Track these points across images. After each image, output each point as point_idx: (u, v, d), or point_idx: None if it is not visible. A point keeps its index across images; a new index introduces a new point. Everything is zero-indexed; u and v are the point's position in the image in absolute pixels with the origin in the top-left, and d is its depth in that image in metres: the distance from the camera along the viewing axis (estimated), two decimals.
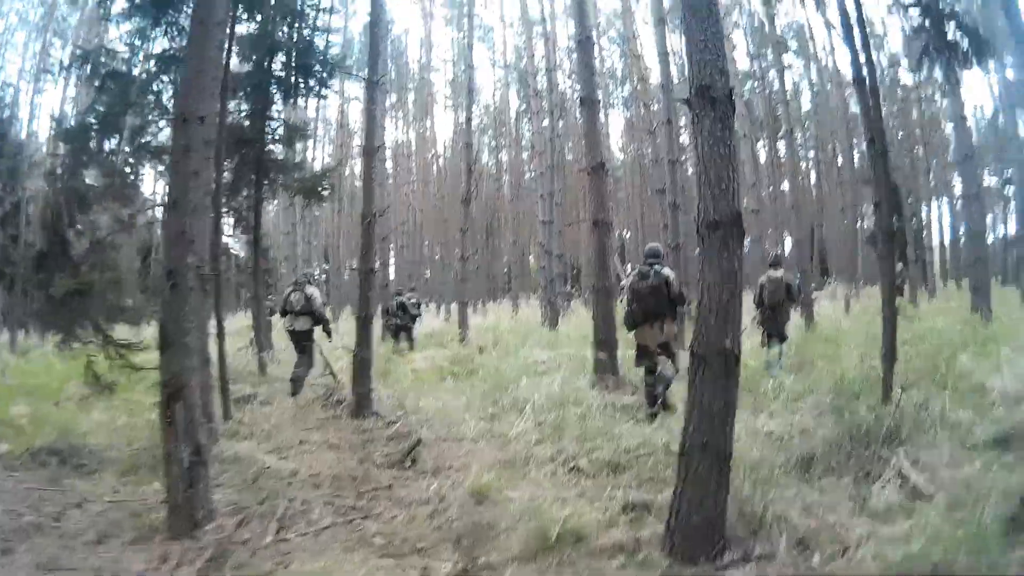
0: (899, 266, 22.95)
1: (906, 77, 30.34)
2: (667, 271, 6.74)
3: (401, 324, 14.38)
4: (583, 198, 37.48)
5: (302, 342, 8.81)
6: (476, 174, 17.74)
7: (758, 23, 24.92)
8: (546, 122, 21.95)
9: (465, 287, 15.80)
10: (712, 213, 3.23)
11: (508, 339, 13.49)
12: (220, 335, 6.63)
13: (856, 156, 30.01)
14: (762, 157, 30.99)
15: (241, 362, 10.06)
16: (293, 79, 10.07)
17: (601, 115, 9.97)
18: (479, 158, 42.99)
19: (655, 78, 20.04)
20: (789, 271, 10.36)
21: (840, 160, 36.15)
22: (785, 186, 27.71)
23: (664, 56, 13.53)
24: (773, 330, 8.99)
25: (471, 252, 19.41)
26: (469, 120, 16.25)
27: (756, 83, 25.93)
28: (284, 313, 8.98)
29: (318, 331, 8.92)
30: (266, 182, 10.34)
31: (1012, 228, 33.69)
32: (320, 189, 11.09)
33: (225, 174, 9.20)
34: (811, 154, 37.37)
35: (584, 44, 9.29)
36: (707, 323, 3.21)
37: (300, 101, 11.08)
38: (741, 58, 26.06)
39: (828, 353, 8.84)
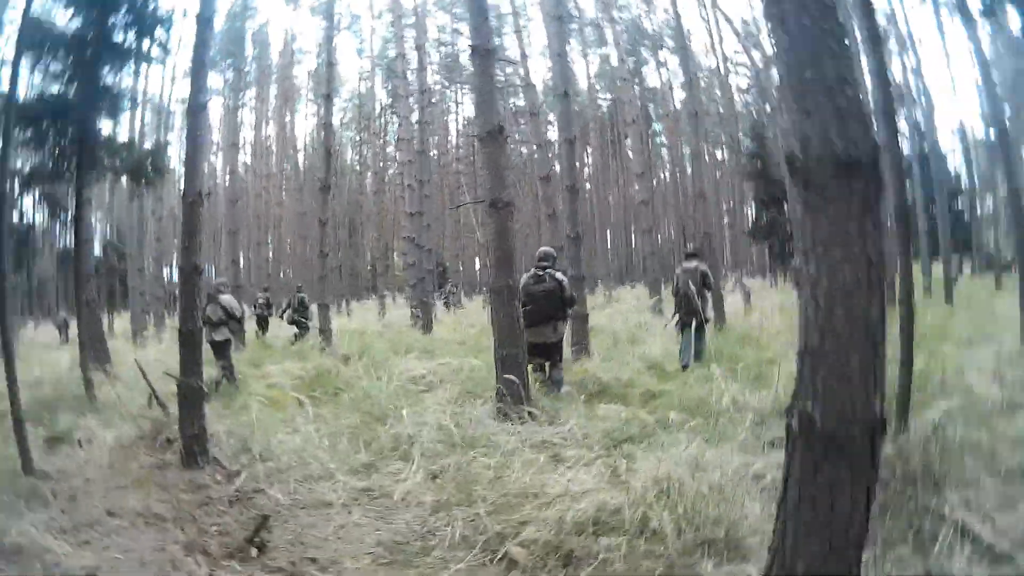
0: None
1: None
2: (560, 275, 7.39)
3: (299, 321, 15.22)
4: (448, 194, 36.63)
5: (224, 352, 9.11)
6: (336, 159, 16.41)
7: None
8: (415, 107, 20.52)
9: (325, 286, 14.06)
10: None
11: (378, 346, 11.94)
12: (7, 354, 5.20)
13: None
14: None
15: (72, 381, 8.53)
16: (125, 37, 8.63)
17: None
18: (341, 153, 41.10)
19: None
20: (704, 262, 10.31)
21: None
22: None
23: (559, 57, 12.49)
24: (688, 318, 9.05)
25: (331, 247, 17.91)
26: (329, 97, 14.51)
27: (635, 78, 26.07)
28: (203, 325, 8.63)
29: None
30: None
31: None
32: (148, 169, 9.33)
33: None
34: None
35: None
36: (830, 368, 1.89)
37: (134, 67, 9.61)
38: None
39: (765, 357, 8.16)
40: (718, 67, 27.69)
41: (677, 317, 9.35)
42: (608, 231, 44.64)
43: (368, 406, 6.39)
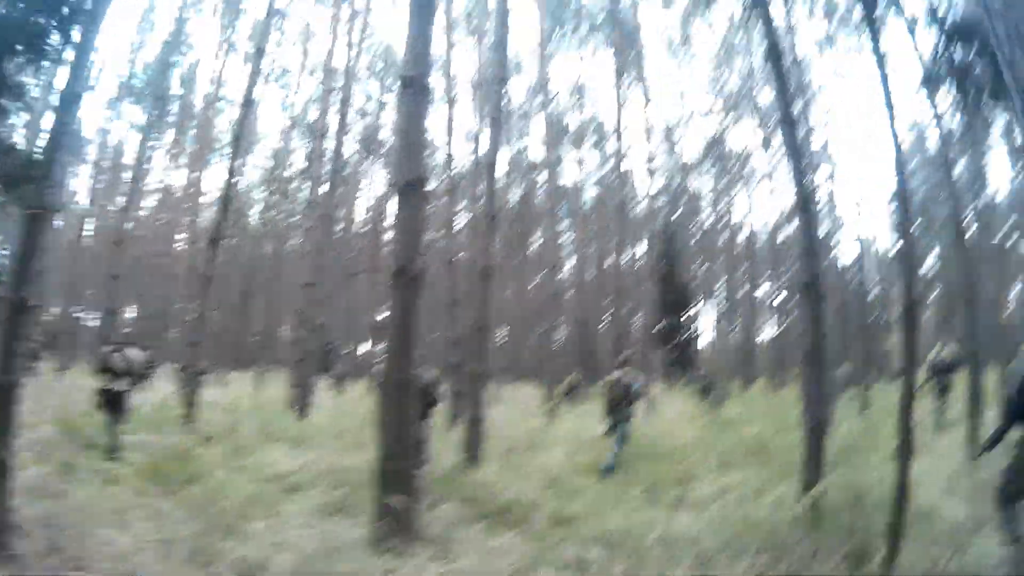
0: (704, 369, 23.46)
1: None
2: (427, 375, 7.25)
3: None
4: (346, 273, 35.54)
5: (121, 403, 8.57)
6: (239, 216, 15.46)
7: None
8: (326, 171, 19.56)
9: (200, 350, 12.74)
10: None
11: (247, 427, 10.78)
12: None
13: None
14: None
15: None
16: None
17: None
18: (243, 211, 39.57)
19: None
20: (632, 372, 10.14)
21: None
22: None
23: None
24: (615, 420, 9.24)
25: (215, 308, 16.50)
26: (238, 139, 13.72)
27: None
28: (103, 372, 8.65)
29: None
30: None
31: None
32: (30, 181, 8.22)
33: None
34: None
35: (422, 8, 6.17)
36: None
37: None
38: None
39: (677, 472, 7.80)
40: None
41: (607, 425, 9.39)
42: (504, 326, 44.47)
43: (220, 507, 5.30)
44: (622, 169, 23.91)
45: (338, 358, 33.12)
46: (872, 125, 33.41)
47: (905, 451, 4.29)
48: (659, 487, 6.67)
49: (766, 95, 33.99)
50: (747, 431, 10.85)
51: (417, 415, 6.15)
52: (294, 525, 4.83)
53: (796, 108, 10.96)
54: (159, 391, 14.21)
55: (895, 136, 5.39)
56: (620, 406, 9.30)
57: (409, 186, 5.67)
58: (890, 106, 5.23)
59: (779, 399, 24.42)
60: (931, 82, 7.75)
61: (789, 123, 7.15)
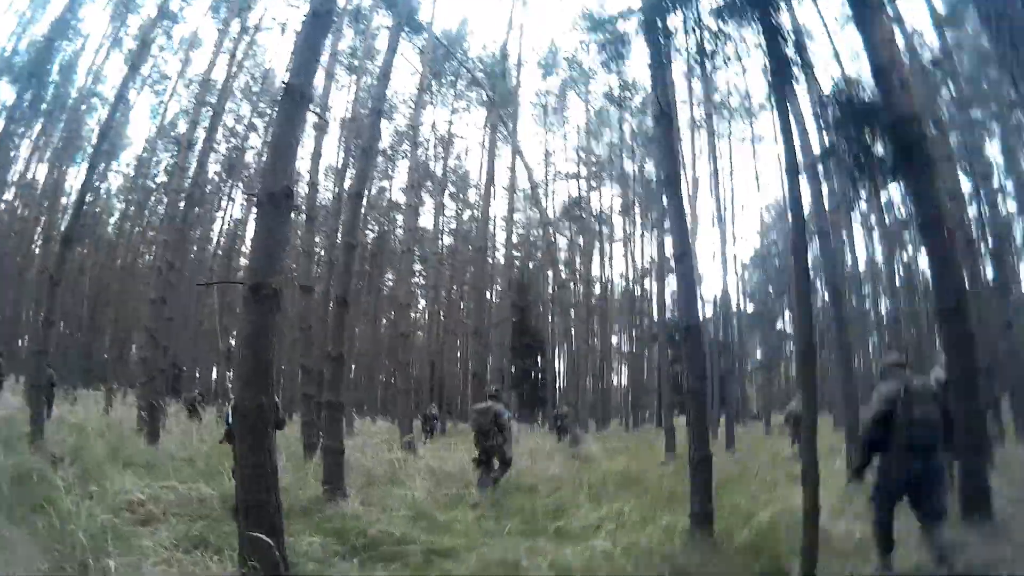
0: (565, 408, 24.18)
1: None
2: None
3: None
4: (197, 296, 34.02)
5: None
6: (97, 225, 14.69)
7: None
8: (187, 183, 18.56)
9: (43, 362, 11.89)
10: None
11: (96, 450, 10.41)
12: None
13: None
14: None
15: None
16: None
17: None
18: (101, 222, 37.38)
19: None
20: (500, 403, 10.58)
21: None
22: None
23: None
24: (485, 456, 9.71)
25: (61, 318, 15.38)
26: (104, 135, 13.26)
27: None
28: None
29: None
30: None
31: None
32: None
33: None
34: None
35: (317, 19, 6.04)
36: None
37: None
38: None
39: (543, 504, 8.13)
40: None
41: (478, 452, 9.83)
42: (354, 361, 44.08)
43: (72, 539, 4.86)
44: (483, 218, 24.62)
45: (189, 381, 31.79)
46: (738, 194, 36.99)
47: (812, 477, 4.87)
48: (535, 519, 6.89)
49: (627, 165, 36.81)
50: (610, 465, 11.33)
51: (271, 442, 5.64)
52: (155, 561, 4.76)
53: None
54: (4, 404, 13.46)
55: (796, 200, 5.86)
56: (490, 434, 9.77)
57: (274, 196, 5.19)
58: (793, 172, 5.91)
59: (635, 437, 25.72)
60: (829, 156, 8.50)
61: (674, 183, 7.79)
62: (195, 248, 34.03)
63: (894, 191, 18.92)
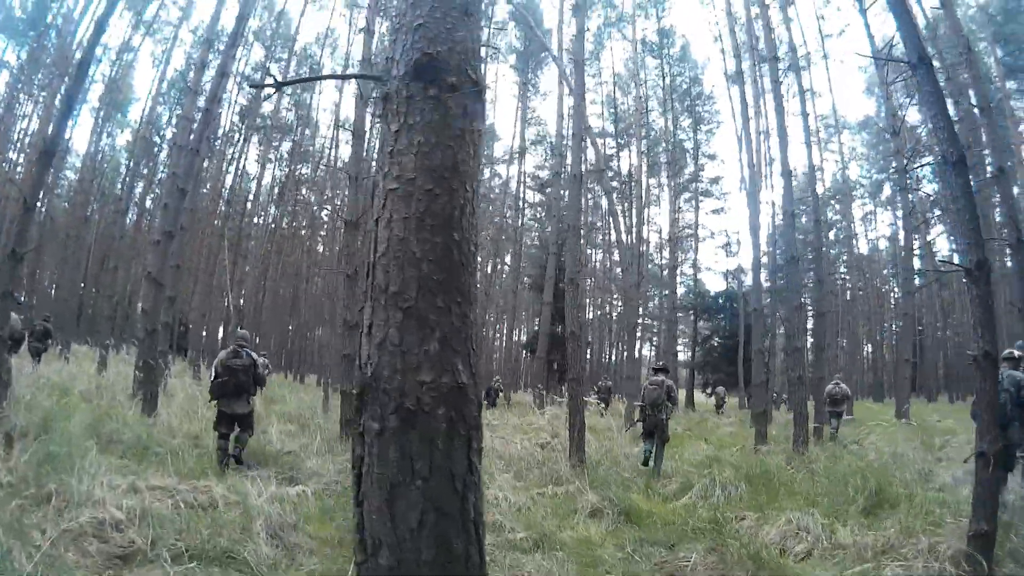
0: (609, 381, 22.58)
1: None
2: (255, 355, 8.34)
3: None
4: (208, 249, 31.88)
5: None
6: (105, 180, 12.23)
7: None
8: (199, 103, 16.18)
9: (7, 307, 9.18)
10: None
11: (75, 422, 7.88)
12: None
13: None
14: None
15: None
16: None
17: None
18: (109, 173, 34.91)
19: None
20: (669, 377, 10.99)
21: None
22: None
23: None
24: (651, 427, 9.93)
25: (28, 247, 12.33)
26: (85, 62, 10.55)
27: None
28: None
29: None
30: None
31: None
32: None
33: None
34: None
35: None
36: None
37: None
38: None
39: None
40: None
41: (640, 425, 10.29)
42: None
43: None
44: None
45: (196, 340, 29.45)
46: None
47: None
48: None
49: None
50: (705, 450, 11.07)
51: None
52: None
53: None
54: None
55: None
56: (661, 407, 9.98)
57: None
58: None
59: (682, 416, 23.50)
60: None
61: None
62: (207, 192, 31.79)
63: None
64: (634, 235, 29.15)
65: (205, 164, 28.50)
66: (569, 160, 13.72)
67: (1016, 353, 6.97)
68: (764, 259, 26.76)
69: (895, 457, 10.05)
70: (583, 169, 16.36)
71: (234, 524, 4.56)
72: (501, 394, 24.95)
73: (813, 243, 20.12)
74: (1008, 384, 6.45)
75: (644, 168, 36.28)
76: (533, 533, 5.57)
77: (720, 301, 43.61)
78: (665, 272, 39.82)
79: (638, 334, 42.84)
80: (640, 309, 40.88)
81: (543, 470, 8.96)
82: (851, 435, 13.78)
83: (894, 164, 26.65)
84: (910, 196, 26.17)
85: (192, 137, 13.71)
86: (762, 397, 13.89)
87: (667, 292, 41.32)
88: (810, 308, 28.35)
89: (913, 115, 29.87)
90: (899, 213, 32.46)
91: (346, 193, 15.12)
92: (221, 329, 33.15)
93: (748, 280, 40.78)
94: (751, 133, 22.21)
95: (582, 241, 36.41)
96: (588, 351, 32.71)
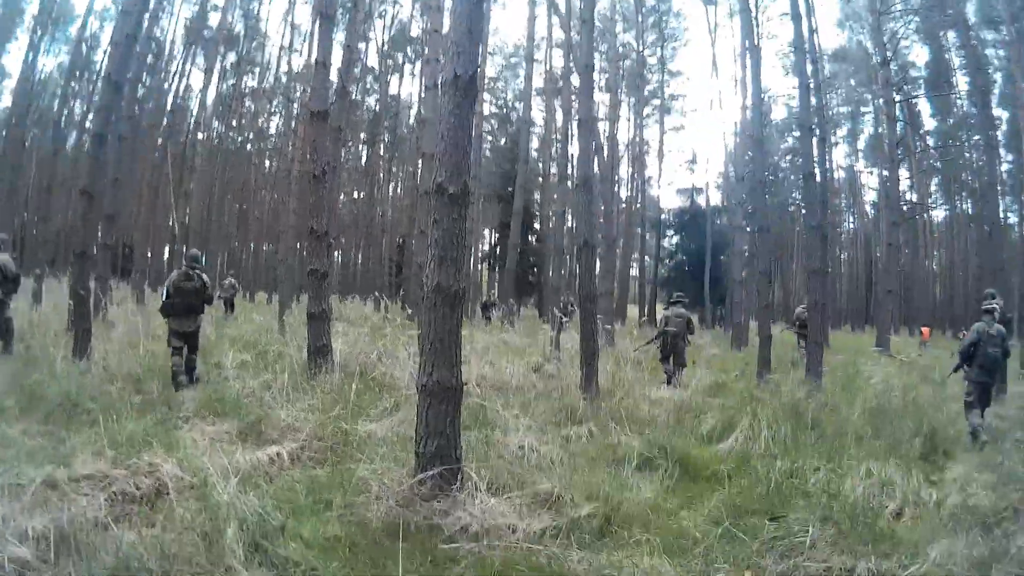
0: (571, 297, 21.82)
1: None
2: (205, 276, 8.63)
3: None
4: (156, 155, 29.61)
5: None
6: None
7: None
8: None
9: None
10: None
11: None
12: None
13: None
14: None
15: None
16: None
17: None
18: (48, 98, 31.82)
19: None
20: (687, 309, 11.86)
21: None
22: None
23: None
24: (670, 353, 11.27)
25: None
26: None
27: None
28: None
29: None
30: None
31: None
32: None
33: None
34: None
35: None
36: None
37: None
38: None
39: None
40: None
41: (656, 348, 11.64)
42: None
43: None
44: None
45: (141, 261, 27.04)
46: None
47: None
48: None
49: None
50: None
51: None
52: None
53: None
54: None
55: None
56: (683, 335, 11.25)
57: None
58: None
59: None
60: None
61: None
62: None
63: None
64: (606, 151, 27.36)
65: (146, 78, 26.42)
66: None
67: (996, 306, 8.12)
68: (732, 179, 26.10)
69: (905, 391, 9.46)
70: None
71: (194, 535, 3.09)
72: (495, 309, 25.78)
73: (803, 167, 19.15)
74: (999, 339, 7.83)
75: (607, 83, 34.22)
76: (597, 505, 4.26)
77: (685, 218, 42.31)
78: (628, 187, 38.97)
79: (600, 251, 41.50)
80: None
81: (551, 404, 7.65)
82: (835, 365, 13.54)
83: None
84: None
85: (129, 27, 11.41)
86: (766, 324, 13.14)
87: (636, 207, 40.26)
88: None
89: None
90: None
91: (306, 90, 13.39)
92: (167, 250, 31.02)
93: (716, 199, 40.22)
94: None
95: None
96: (550, 268, 31.15)
